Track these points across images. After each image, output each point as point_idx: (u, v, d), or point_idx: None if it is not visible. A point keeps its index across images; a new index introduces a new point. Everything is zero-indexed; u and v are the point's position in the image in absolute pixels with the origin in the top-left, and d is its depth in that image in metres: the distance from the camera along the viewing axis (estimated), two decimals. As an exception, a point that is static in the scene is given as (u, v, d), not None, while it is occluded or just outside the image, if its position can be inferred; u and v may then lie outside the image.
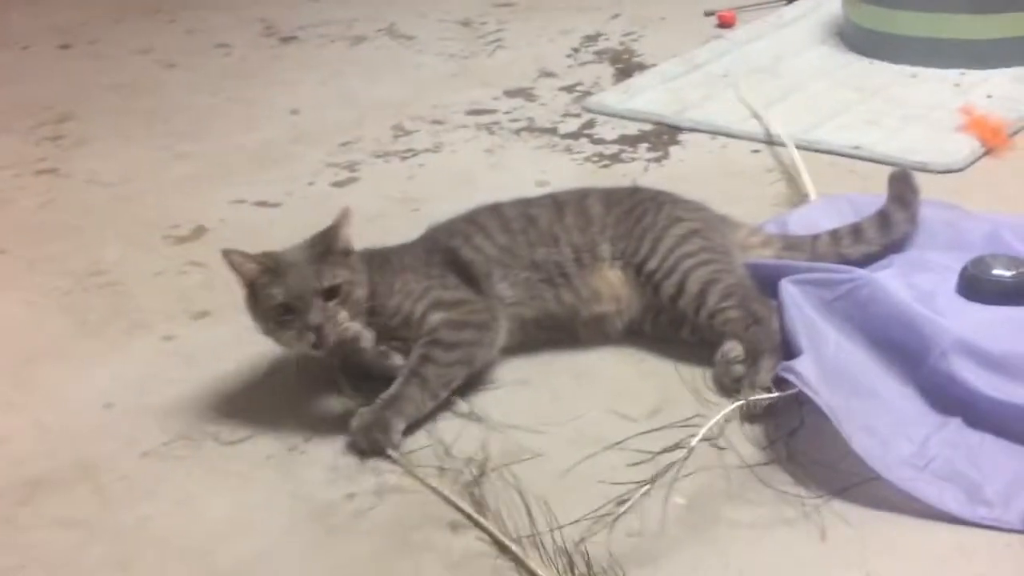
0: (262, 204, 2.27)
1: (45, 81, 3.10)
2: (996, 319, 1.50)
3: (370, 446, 1.47)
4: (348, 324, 1.52)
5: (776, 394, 1.45)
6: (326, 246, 1.55)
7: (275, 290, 1.51)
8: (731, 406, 1.46)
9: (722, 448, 1.42)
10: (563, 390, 1.61)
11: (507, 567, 1.28)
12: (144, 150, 2.61)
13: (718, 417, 1.44)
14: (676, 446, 1.40)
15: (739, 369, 1.53)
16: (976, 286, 1.56)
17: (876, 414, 1.42)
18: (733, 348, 1.55)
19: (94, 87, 3.02)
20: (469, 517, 1.35)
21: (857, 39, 2.74)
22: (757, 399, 1.46)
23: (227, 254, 1.55)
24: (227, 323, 1.80)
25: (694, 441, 1.40)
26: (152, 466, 1.52)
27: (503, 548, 1.30)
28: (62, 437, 1.60)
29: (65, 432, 1.61)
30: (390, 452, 1.47)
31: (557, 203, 1.73)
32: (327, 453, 1.50)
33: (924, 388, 1.46)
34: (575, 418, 1.53)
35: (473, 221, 1.72)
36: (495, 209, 1.74)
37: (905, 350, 1.48)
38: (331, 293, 1.52)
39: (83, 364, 1.77)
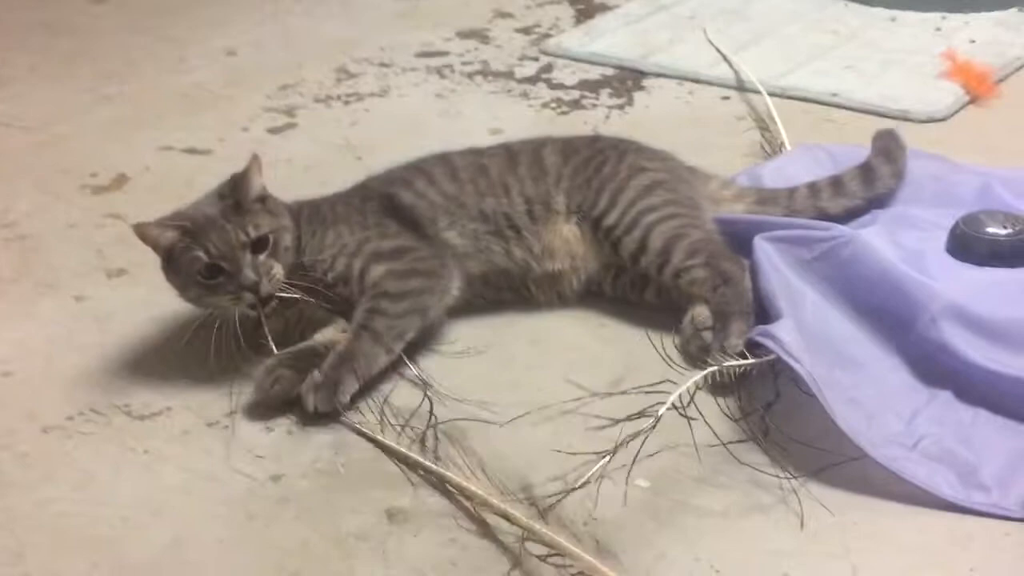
0: (191, 151, 2.10)
1: (-39, 18, 2.89)
2: (991, 281, 1.37)
3: (320, 406, 1.33)
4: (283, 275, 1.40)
5: (750, 361, 1.32)
6: (238, 196, 1.41)
7: (198, 252, 1.36)
8: (700, 373, 1.32)
9: (693, 419, 1.28)
10: (519, 357, 1.47)
11: (446, 558, 1.15)
12: (67, 92, 2.42)
13: (687, 384, 1.30)
14: (640, 414, 1.26)
15: (708, 336, 1.39)
16: (969, 245, 1.43)
17: (860, 386, 1.30)
18: (701, 313, 1.41)
19: (14, 24, 2.80)
20: (422, 468, 1.25)
21: (831, -20, 2.59)
22: (729, 366, 1.32)
23: (138, 228, 1.41)
24: (145, 282, 1.64)
25: (661, 410, 1.26)
26: (54, 443, 1.36)
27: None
28: (-47, 409, 1.43)
29: (-43, 403, 1.44)
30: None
31: (511, 152, 1.59)
32: (251, 429, 1.36)
33: (911, 358, 1.34)
34: (531, 387, 1.39)
35: (418, 168, 1.58)
36: (443, 157, 1.60)
37: (890, 316, 1.36)
38: (259, 245, 1.39)
39: (-17, 327, 1.60)
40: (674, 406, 1.26)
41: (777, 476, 1.22)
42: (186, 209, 1.43)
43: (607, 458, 1.22)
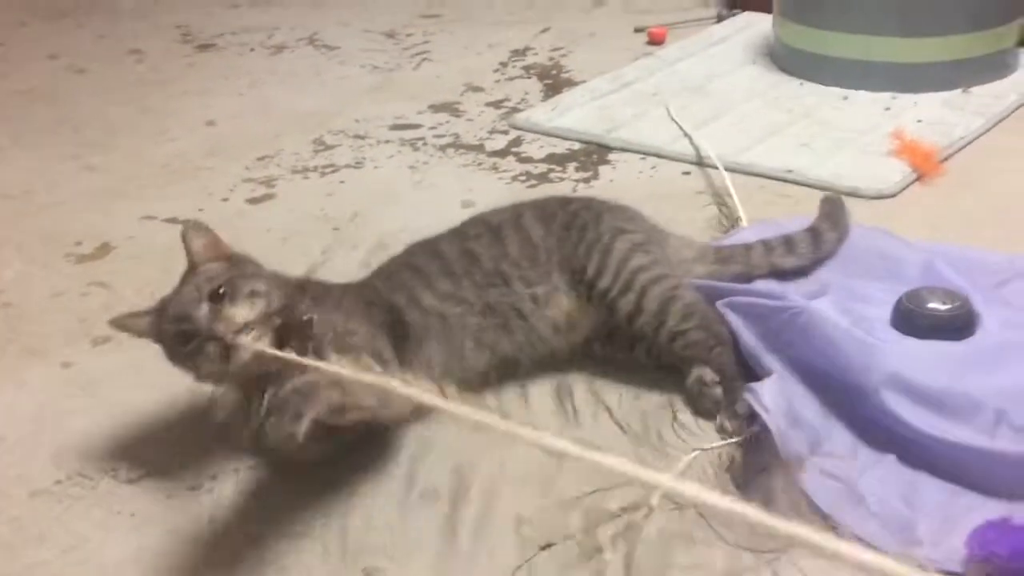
0: (172, 221, 2.16)
1: (-56, 86, 2.97)
2: (931, 354, 1.45)
3: (280, 437, 1.22)
4: (249, 318, 1.34)
5: (742, 436, 1.40)
6: (188, 266, 1.42)
7: (166, 326, 1.37)
8: (690, 456, 1.39)
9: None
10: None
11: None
12: (50, 161, 2.49)
13: (681, 465, 1.37)
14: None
15: (718, 392, 1.47)
16: (911, 319, 1.51)
17: (813, 447, 1.37)
18: (706, 373, 1.49)
19: (-3, 93, 2.89)
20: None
21: (788, 60, 2.72)
22: (723, 444, 1.41)
23: (117, 323, 1.43)
24: (129, 348, 1.68)
25: (654, 500, 1.29)
26: (43, 507, 1.41)
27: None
28: (-55, 474, 1.48)
29: (-52, 469, 1.49)
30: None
31: (492, 230, 1.60)
32: (232, 492, 1.41)
33: (858, 423, 1.41)
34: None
35: (413, 266, 1.57)
36: (432, 249, 1.60)
37: (838, 383, 1.43)
38: (214, 297, 1.35)
39: (-28, 394, 1.65)
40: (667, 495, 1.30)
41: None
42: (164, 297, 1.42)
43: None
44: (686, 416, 1.48)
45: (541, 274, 1.57)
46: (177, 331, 1.36)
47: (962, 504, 1.29)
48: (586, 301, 1.57)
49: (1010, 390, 1.36)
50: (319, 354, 1.28)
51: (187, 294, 1.37)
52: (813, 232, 1.70)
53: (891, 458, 1.37)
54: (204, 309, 1.34)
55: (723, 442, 1.41)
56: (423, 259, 1.59)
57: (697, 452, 1.40)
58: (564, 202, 1.69)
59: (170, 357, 1.40)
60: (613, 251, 1.57)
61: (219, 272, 1.39)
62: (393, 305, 1.52)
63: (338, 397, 1.25)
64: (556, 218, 1.62)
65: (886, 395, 1.36)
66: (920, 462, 1.35)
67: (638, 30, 3.13)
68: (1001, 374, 1.39)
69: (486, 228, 1.62)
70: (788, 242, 1.68)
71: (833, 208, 1.74)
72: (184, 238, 1.43)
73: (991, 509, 1.26)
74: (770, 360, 1.46)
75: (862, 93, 2.53)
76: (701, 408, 1.48)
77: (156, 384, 1.60)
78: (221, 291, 1.35)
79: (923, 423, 1.34)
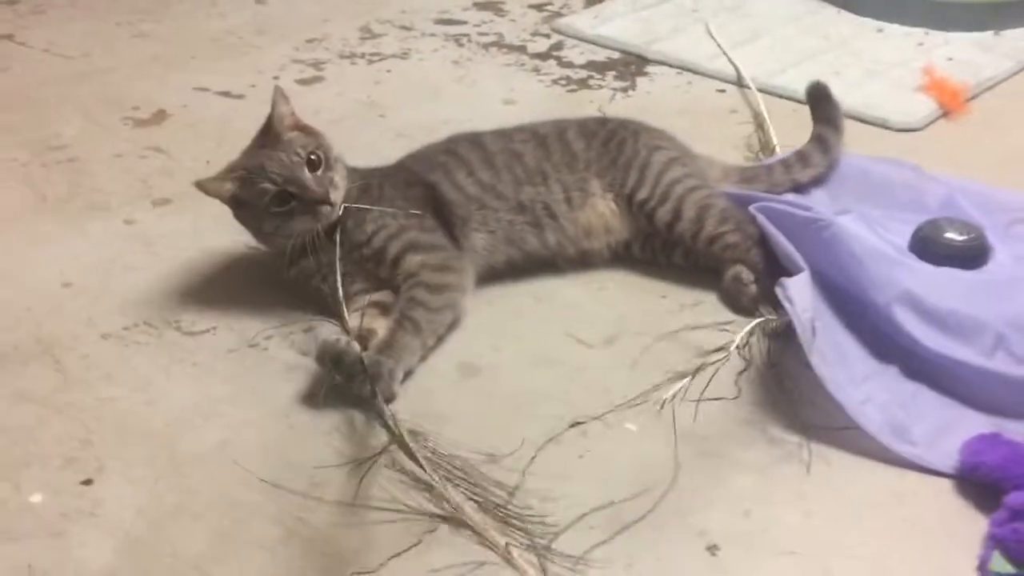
0: (225, 94, 2.24)
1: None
2: (944, 279, 1.56)
3: (371, 394, 1.39)
4: (342, 184, 1.52)
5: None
6: (274, 129, 1.53)
7: (264, 185, 1.48)
8: (753, 322, 1.54)
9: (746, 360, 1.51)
10: (524, 310, 1.63)
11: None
12: (104, 24, 2.56)
13: (745, 330, 1.52)
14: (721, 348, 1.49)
15: (755, 289, 1.58)
16: (928, 247, 1.62)
17: (823, 346, 1.44)
18: (742, 271, 1.60)
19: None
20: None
21: (826, -13, 2.77)
22: (777, 320, 1.53)
23: (200, 184, 1.53)
24: (188, 212, 1.80)
25: (732, 347, 1.49)
26: (113, 349, 1.53)
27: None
28: (22, 312, 1.59)
29: (25, 308, 1.60)
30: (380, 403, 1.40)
31: (538, 137, 1.70)
32: (287, 353, 1.52)
33: (867, 333, 1.52)
34: (533, 340, 1.56)
35: (454, 153, 1.68)
36: (475, 141, 1.70)
37: (853, 295, 1.53)
38: (313, 164, 1.50)
39: (41, 240, 1.76)
40: (737, 348, 1.51)
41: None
42: (235, 162, 1.55)
43: (689, 379, 1.45)
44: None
45: (578, 180, 1.68)
46: (279, 191, 1.48)
47: (957, 416, 1.41)
48: (625, 209, 1.67)
49: (1012, 319, 1.48)
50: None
51: (284, 158, 1.49)
52: (819, 140, 1.82)
53: (894, 369, 1.48)
54: (308, 176, 1.48)
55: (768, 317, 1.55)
56: (465, 148, 1.69)
57: (760, 320, 1.55)
58: (603, 121, 1.80)
59: (247, 216, 1.53)
60: (651, 164, 1.68)
61: (308, 142, 1.52)
62: (430, 183, 1.63)
63: (419, 349, 1.47)
64: (597, 135, 1.73)
65: (897, 310, 1.47)
66: (921, 375, 1.46)
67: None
68: (1006, 303, 1.50)
69: (532, 135, 1.72)
70: (801, 156, 1.81)
71: (826, 108, 1.85)
72: (274, 101, 1.54)
73: (983, 423, 1.39)
74: (799, 258, 1.55)
75: (896, 26, 2.59)
76: (739, 304, 1.60)
77: (214, 247, 1.72)
78: (315, 159, 1.50)
79: (928, 339, 1.46)
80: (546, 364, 1.50)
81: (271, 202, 1.49)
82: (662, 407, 1.41)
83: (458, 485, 1.29)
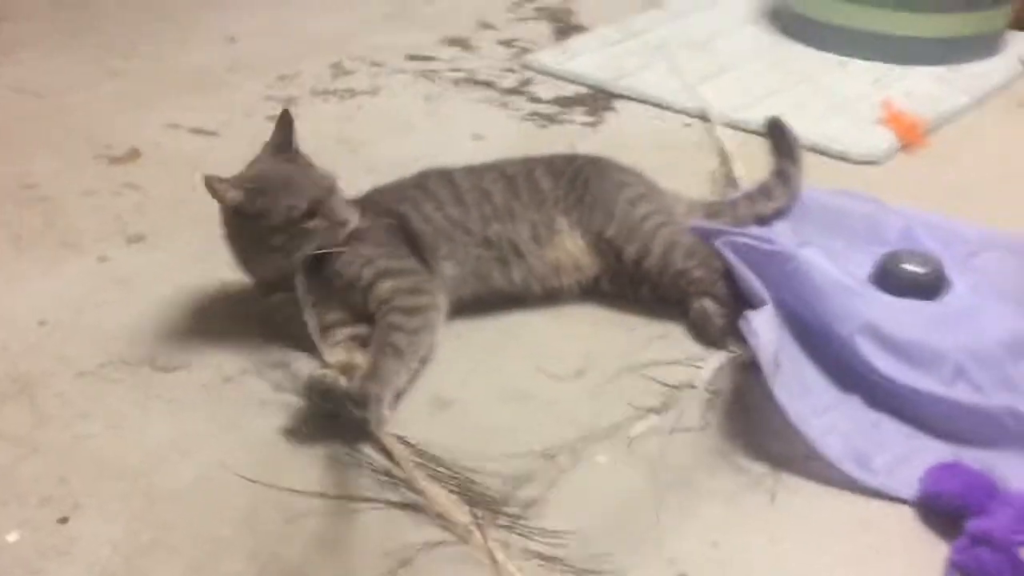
0: (198, 131, 2.27)
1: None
2: (904, 309, 1.60)
3: (360, 423, 1.42)
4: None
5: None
6: (294, 148, 1.59)
7: (294, 200, 1.52)
8: (722, 357, 1.57)
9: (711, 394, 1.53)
10: (494, 344, 1.66)
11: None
12: (75, 63, 2.58)
13: (713, 366, 1.54)
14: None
15: (722, 321, 1.62)
16: (888, 278, 1.67)
17: (786, 378, 1.47)
18: (709, 304, 1.64)
19: (22, -7, 2.95)
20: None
21: (790, 24, 2.84)
22: (743, 353, 1.55)
23: (208, 181, 1.52)
24: (162, 248, 1.82)
25: (701, 383, 1.51)
26: (88, 386, 1.54)
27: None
28: (-4, 350, 1.60)
29: (0, 347, 1.61)
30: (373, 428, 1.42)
31: (507, 177, 1.74)
32: (262, 387, 1.54)
33: (830, 364, 1.55)
34: (503, 373, 1.58)
35: (423, 187, 1.71)
36: (446, 177, 1.73)
37: (816, 326, 1.57)
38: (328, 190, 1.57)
39: (16, 278, 1.77)
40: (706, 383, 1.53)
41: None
42: (250, 170, 1.58)
43: (659, 415, 1.48)
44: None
45: (546, 218, 1.71)
46: (309, 207, 1.52)
47: (918, 445, 1.44)
48: (593, 246, 1.71)
49: (970, 349, 1.52)
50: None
51: (315, 175, 1.56)
52: (779, 174, 1.88)
53: (857, 399, 1.52)
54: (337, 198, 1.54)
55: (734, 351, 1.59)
56: (435, 183, 1.73)
57: (731, 354, 1.58)
58: (570, 159, 1.83)
59: (251, 231, 1.54)
60: (618, 202, 1.72)
61: (320, 168, 1.59)
62: (400, 213, 1.67)
63: (404, 372, 1.50)
64: (564, 174, 1.76)
65: (860, 341, 1.51)
66: (883, 405, 1.50)
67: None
68: (964, 334, 1.55)
69: (501, 175, 1.75)
70: (764, 190, 1.87)
71: (783, 138, 1.91)
72: (285, 120, 1.60)
73: (943, 452, 1.42)
74: (763, 291, 1.58)
75: (858, 61, 2.66)
76: (706, 336, 1.63)
77: (187, 283, 1.73)
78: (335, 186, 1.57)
79: (890, 369, 1.49)
80: (516, 398, 1.53)
81: (293, 218, 1.52)
82: (630, 443, 1.44)
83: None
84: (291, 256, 1.54)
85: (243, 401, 1.51)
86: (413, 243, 1.65)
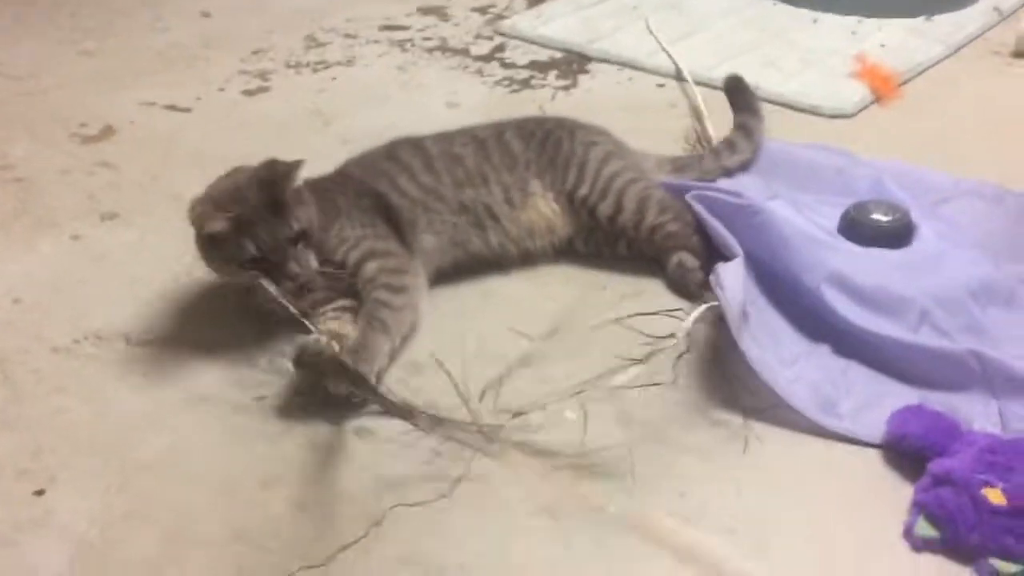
0: (172, 108, 2.27)
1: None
2: (870, 258, 1.61)
3: (347, 395, 1.43)
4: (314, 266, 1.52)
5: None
6: (279, 193, 1.50)
7: (246, 243, 1.48)
8: (701, 308, 1.52)
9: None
10: (468, 308, 1.67)
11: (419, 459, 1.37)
12: (49, 44, 2.58)
13: (697, 312, 1.51)
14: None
15: (700, 274, 1.62)
16: (855, 228, 1.68)
17: (756, 329, 1.49)
18: (687, 257, 1.65)
19: (-5, -25, 2.94)
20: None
21: (763, -19, 2.82)
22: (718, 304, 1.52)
23: (194, 207, 1.51)
24: (136, 226, 1.83)
25: (681, 333, 1.48)
26: (63, 362, 1.55)
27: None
28: (-30, 328, 1.62)
29: (-27, 323, 1.63)
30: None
31: (478, 140, 1.74)
32: (237, 357, 1.55)
33: (798, 315, 1.57)
34: (476, 336, 1.58)
35: (395, 158, 1.71)
36: (416, 145, 1.73)
37: (784, 278, 1.58)
38: (298, 238, 1.51)
39: (-10, 257, 1.78)
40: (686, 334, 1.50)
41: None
42: (228, 186, 1.53)
43: (640, 366, 1.44)
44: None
45: (518, 180, 1.72)
46: (257, 255, 1.47)
47: (884, 389, 1.46)
48: (566, 207, 1.71)
49: (935, 293, 1.53)
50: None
51: (278, 228, 1.48)
52: (742, 128, 1.89)
53: (825, 348, 1.53)
54: (293, 251, 1.49)
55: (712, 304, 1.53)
56: (407, 152, 1.73)
57: (709, 305, 1.52)
58: (541, 121, 1.84)
59: (212, 254, 1.52)
60: (589, 161, 1.73)
61: (302, 214, 1.51)
62: (378, 192, 1.67)
63: (388, 349, 1.50)
64: (535, 135, 1.77)
65: (826, 290, 1.52)
66: (851, 352, 1.51)
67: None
68: (929, 279, 1.56)
69: (472, 139, 1.76)
70: (728, 144, 1.88)
71: (743, 97, 1.93)
72: (293, 171, 1.52)
73: (910, 396, 1.44)
74: (734, 243, 1.59)
75: (831, 16, 2.65)
76: (685, 290, 1.64)
77: (161, 260, 1.75)
78: (305, 235, 1.51)
79: (856, 317, 1.51)
80: (488, 359, 1.54)
81: (246, 260, 1.49)
82: (611, 394, 1.44)
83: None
84: (253, 284, 1.51)
85: (217, 373, 1.53)
86: (394, 219, 1.65)
